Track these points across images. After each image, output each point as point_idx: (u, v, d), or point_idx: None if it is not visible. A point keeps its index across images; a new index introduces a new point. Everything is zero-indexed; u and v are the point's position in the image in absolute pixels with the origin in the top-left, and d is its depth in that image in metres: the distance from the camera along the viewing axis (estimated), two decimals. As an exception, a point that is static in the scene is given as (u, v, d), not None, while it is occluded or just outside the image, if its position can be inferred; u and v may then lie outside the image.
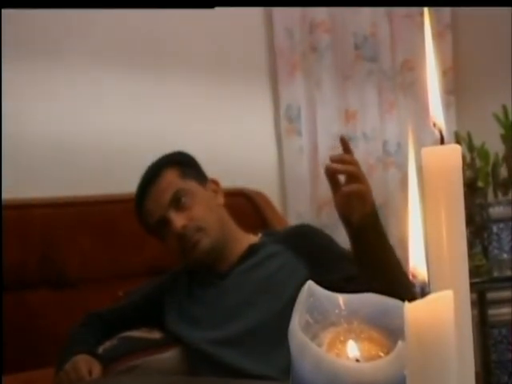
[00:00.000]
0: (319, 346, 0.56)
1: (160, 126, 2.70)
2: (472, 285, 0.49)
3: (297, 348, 0.55)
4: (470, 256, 2.33)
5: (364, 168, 1.40)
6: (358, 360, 0.57)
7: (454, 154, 0.48)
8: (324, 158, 2.81)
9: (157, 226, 1.70)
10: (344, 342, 0.58)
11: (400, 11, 3.04)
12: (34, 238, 2.22)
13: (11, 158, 2.34)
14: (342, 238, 1.65)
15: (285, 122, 2.90)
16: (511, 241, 2.75)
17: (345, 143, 1.38)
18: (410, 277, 0.43)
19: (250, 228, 1.81)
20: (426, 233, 0.47)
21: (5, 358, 1.97)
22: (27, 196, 2.30)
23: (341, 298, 0.61)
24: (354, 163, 1.35)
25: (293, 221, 2.72)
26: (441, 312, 0.40)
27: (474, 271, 2.31)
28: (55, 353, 1.70)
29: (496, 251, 2.72)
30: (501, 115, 2.74)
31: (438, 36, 2.98)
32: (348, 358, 0.57)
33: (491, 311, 2.65)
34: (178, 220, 1.64)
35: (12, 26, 2.41)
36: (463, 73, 3.12)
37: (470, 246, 2.52)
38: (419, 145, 0.46)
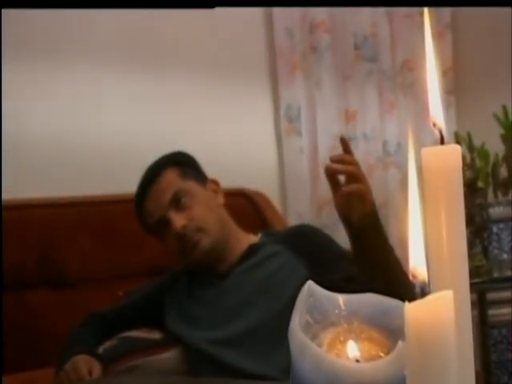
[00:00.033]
0: (319, 346, 0.56)
1: (160, 126, 2.70)
2: (472, 285, 0.49)
3: (297, 348, 0.55)
4: (470, 256, 2.33)
5: (364, 168, 1.40)
6: (358, 360, 0.57)
7: (453, 154, 0.48)
8: (324, 158, 2.81)
9: (157, 226, 1.70)
10: (344, 342, 0.58)
11: (400, 11, 3.04)
12: (33, 237, 2.21)
13: (11, 158, 2.34)
14: (342, 238, 1.64)
15: (285, 122, 2.90)
16: (511, 241, 2.75)
17: (345, 143, 1.38)
18: (410, 277, 0.43)
19: (249, 228, 1.81)
20: (426, 233, 0.47)
21: (5, 358, 1.97)
22: (27, 196, 2.30)
23: (341, 298, 0.61)
24: (354, 163, 1.35)
25: (293, 221, 2.72)
26: (441, 312, 0.40)
27: (474, 271, 2.30)
28: (55, 353, 1.70)
29: (496, 251, 2.72)
30: (501, 115, 2.74)
31: (438, 36, 2.98)
32: (348, 358, 0.57)
33: (491, 311, 2.65)
34: (178, 220, 1.64)
35: (12, 26, 2.41)
36: (463, 73, 3.12)
37: (470, 246, 2.52)
38: (419, 145, 0.46)
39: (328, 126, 2.92)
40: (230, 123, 2.85)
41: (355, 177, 1.34)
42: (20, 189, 2.33)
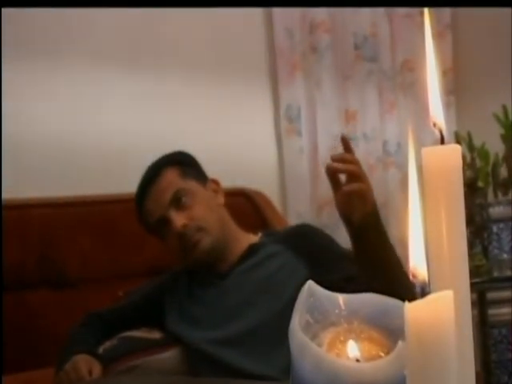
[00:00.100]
0: (319, 345, 0.56)
1: (160, 126, 2.70)
2: (472, 285, 0.49)
3: (297, 348, 0.55)
4: (470, 256, 2.33)
5: (364, 168, 1.40)
6: (358, 360, 0.57)
7: (454, 153, 0.48)
8: (324, 158, 2.81)
9: (157, 226, 1.70)
10: (344, 342, 0.58)
11: (400, 11, 3.04)
12: (33, 237, 2.21)
13: (11, 158, 2.34)
14: (343, 238, 1.65)
15: (285, 122, 2.90)
16: (511, 241, 2.75)
17: (346, 142, 1.38)
18: (411, 277, 0.43)
19: (250, 228, 1.81)
20: (426, 233, 0.47)
21: (5, 358, 1.97)
22: (27, 196, 2.30)
23: (341, 298, 0.61)
24: (355, 162, 1.35)
25: (293, 221, 2.71)
26: (441, 312, 0.40)
27: (474, 271, 2.30)
28: (55, 353, 1.70)
29: (496, 251, 2.72)
30: (501, 115, 2.74)
31: (438, 36, 2.98)
32: (348, 358, 0.57)
33: (491, 311, 2.65)
34: (179, 219, 1.64)
35: (12, 26, 2.41)
36: (463, 73, 3.12)
37: (470, 245, 2.52)
38: (419, 145, 0.46)
39: (328, 125, 2.92)
40: (230, 123, 2.85)
41: (356, 176, 1.34)
42: (20, 189, 2.33)
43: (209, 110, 2.82)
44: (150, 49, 2.73)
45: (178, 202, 1.67)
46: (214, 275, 1.70)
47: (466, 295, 0.49)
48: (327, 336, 0.58)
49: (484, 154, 2.72)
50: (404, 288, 1.20)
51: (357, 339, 0.58)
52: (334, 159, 1.35)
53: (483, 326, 2.56)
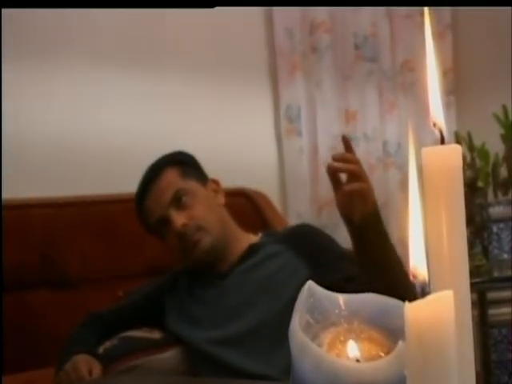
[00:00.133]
0: (319, 346, 0.56)
1: (160, 126, 2.70)
2: (472, 285, 0.49)
3: (297, 348, 0.56)
4: (470, 256, 2.33)
5: (364, 168, 1.39)
6: (358, 360, 0.57)
7: (454, 153, 0.48)
8: (324, 158, 2.81)
9: (157, 225, 1.70)
10: (344, 342, 0.58)
11: (400, 11, 3.04)
12: (33, 238, 2.21)
13: (11, 158, 2.34)
14: (343, 239, 1.65)
15: (285, 122, 2.90)
16: (511, 241, 2.75)
17: (347, 142, 1.38)
18: (411, 277, 0.43)
19: (250, 228, 1.81)
20: (427, 233, 0.47)
21: (5, 358, 1.97)
22: (27, 196, 2.30)
23: (341, 298, 0.61)
24: (356, 162, 1.35)
25: (293, 221, 2.71)
26: (441, 312, 0.40)
27: (474, 271, 2.30)
28: (55, 353, 1.70)
29: (496, 251, 2.72)
30: (501, 115, 2.74)
31: (438, 36, 2.98)
32: (348, 358, 0.57)
33: (491, 311, 2.65)
34: (179, 219, 1.64)
35: (12, 26, 2.41)
36: (463, 73, 3.12)
37: (470, 246, 2.52)
38: (419, 145, 0.46)
39: (328, 126, 2.92)
40: (229, 123, 2.85)
41: (357, 175, 1.34)
42: (20, 189, 2.33)
43: (209, 110, 2.82)
44: (150, 49, 2.73)
45: (178, 201, 1.67)
46: (214, 275, 1.70)
47: (466, 295, 0.49)
48: (327, 336, 0.58)
49: (484, 154, 2.73)
50: (404, 288, 1.20)
51: (357, 339, 0.58)
52: (335, 159, 1.35)
53: (483, 326, 2.56)
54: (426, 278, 0.42)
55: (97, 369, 1.59)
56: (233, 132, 2.84)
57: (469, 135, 2.72)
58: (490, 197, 2.72)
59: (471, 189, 2.54)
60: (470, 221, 2.48)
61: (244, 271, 1.68)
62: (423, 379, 0.41)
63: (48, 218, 2.25)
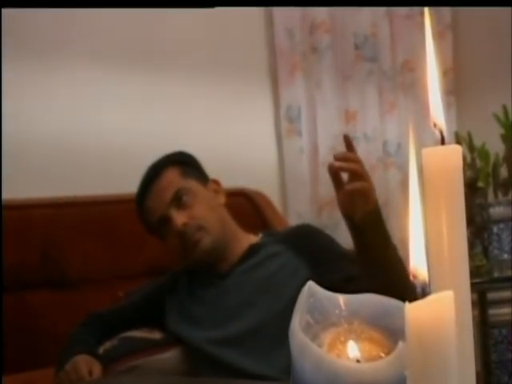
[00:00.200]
0: (320, 346, 0.56)
1: (160, 126, 2.70)
2: (472, 285, 0.49)
3: (297, 348, 0.55)
4: (471, 256, 2.32)
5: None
6: (358, 360, 0.57)
7: (454, 154, 0.48)
8: (324, 158, 2.82)
9: (158, 225, 1.70)
10: (344, 343, 0.58)
11: (400, 11, 3.04)
12: (34, 238, 2.21)
13: (11, 158, 2.34)
14: (343, 239, 1.65)
15: (285, 122, 2.90)
16: (511, 241, 2.75)
17: (348, 141, 1.38)
18: (411, 277, 0.43)
19: (250, 228, 1.81)
20: (427, 233, 0.47)
21: (5, 358, 1.97)
22: (27, 196, 2.30)
23: (341, 299, 0.61)
24: (358, 161, 1.35)
25: (293, 221, 2.71)
26: (441, 312, 0.40)
27: (474, 271, 2.30)
28: (55, 353, 1.70)
29: (496, 251, 2.72)
30: (501, 115, 2.74)
31: (438, 36, 2.98)
32: (348, 358, 0.57)
33: (491, 311, 2.65)
34: (179, 218, 1.64)
35: (12, 26, 2.41)
36: (463, 73, 3.12)
37: (471, 246, 2.52)
38: (420, 145, 0.46)
39: (328, 126, 2.92)
40: (229, 123, 2.85)
41: (358, 175, 1.34)
42: (20, 189, 2.33)
43: (209, 110, 2.82)
44: (150, 49, 2.73)
45: (178, 201, 1.67)
46: (215, 275, 1.70)
47: (467, 295, 0.49)
48: (327, 336, 0.58)
49: (484, 154, 2.72)
50: (405, 287, 1.19)
51: (357, 340, 0.58)
52: (337, 158, 1.35)
53: (483, 326, 2.56)
54: (427, 279, 0.42)
55: (97, 369, 1.59)
56: (233, 132, 2.84)
57: (469, 135, 2.72)
58: (491, 197, 2.72)
59: (471, 189, 2.54)
60: (470, 221, 2.48)
61: (244, 271, 1.68)
62: (424, 379, 0.41)
63: (48, 219, 2.25)
